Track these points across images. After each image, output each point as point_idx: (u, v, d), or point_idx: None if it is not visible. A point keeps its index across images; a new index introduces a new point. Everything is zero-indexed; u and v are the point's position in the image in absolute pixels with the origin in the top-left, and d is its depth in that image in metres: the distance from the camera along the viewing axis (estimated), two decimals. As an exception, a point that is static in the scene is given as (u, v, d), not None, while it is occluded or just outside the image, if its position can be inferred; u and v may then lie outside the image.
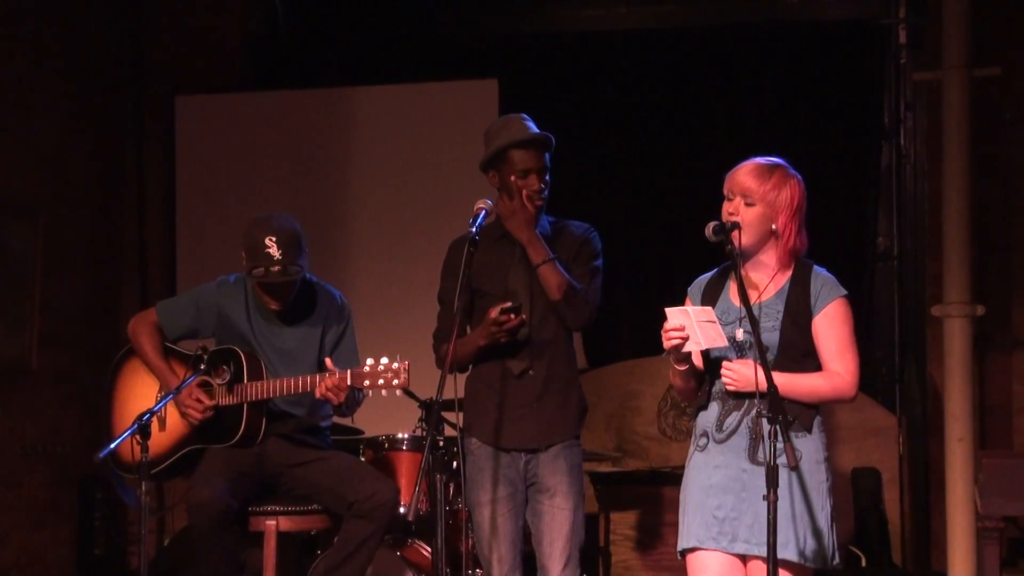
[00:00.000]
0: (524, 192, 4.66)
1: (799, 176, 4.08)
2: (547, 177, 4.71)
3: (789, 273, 4.07)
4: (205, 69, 7.87)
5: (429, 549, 5.62)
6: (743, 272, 4.04)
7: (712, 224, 4.01)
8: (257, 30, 8.03)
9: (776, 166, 4.07)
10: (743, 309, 3.97)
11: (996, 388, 6.95)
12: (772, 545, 3.73)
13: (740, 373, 3.96)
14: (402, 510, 5.41)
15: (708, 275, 4.24)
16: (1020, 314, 6.96)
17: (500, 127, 4.76)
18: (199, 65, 7.87)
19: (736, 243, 3.97)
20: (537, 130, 4.73)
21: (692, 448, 4.13)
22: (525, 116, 4.77)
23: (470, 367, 4.77)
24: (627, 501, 7.12)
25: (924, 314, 6.97)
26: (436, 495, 4.38)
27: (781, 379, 3.88)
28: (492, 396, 4.69)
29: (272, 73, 7.96)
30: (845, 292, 4.07)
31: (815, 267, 4.10)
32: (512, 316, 4.52)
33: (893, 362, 7.26)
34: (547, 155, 4.72)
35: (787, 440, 3.73)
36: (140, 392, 5.37)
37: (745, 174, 4.04)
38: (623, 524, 7.11)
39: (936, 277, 6.73)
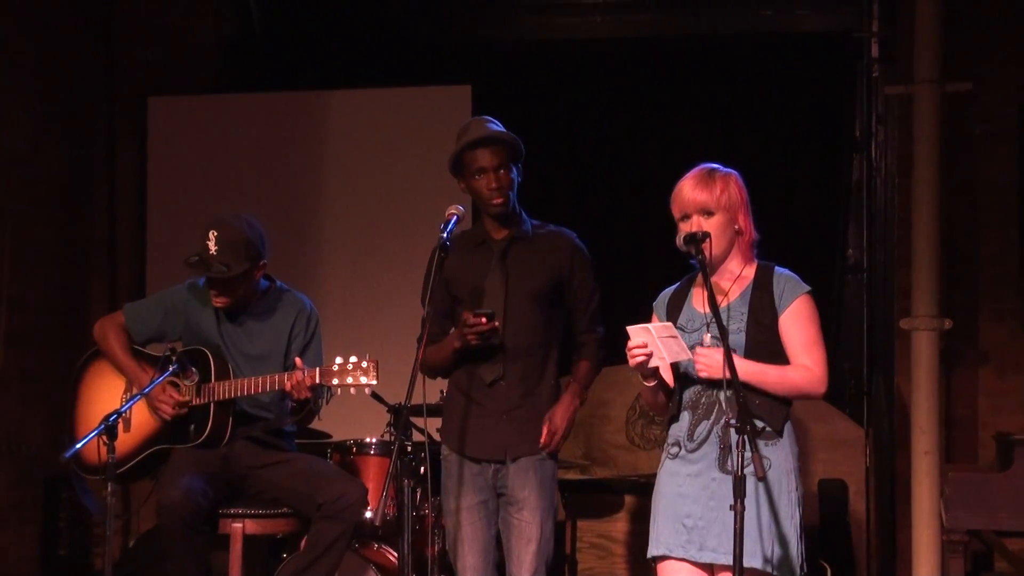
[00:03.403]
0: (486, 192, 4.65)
1: (734, 171, 4.11)
2: (512, 175, 4.67)
3: (752, 276, 4.09)
4: (178, 70, 7.83)
5: (395, 554, 5.61)
6: (712, 281, 4.06)
7: (683, 234, 4.03)
8: (231, 32, 8.00)
9: (712, 170, 4.09)
10: (709, 315, 3.99)
11: (962, 402, 6.98)
12: (738, 555, 3.74)
13: (711, 358, 3.95)
14: (369, 514, 5.40)
15: (672, 288, 4.25)
16: (987, 328, 6.99)
17: (459, 133, 4.72)
18: (172, 66, 7.84)
19: (707, 253, 3.99)
20: (498, 129, 4.68)
21: (664, 455, 4.13)
22: (487, 118, 4.74)
23: (450, 373, 4.76)
24: (594, 509, 7.11)
25: (892, 327, 6.99)
26: (403, 500, 4.37)
27: (752, 367, 3.92)
28: (465, 404, 4.68)
29: (245, 75, 7.92)
30: (809, 288, 4.09)
31: (776, 267, 4.12)
32: (484, 320, 4.51)
33: (861, 374, 7.28)
34: (509, 152, 4.66)
35: (755, 450, 3.74)
36: (104, 394, 5.35)
37: (691, 191, 4.05)
38: (590, 532, 7.11)
39: (905, 290, 6.75)
